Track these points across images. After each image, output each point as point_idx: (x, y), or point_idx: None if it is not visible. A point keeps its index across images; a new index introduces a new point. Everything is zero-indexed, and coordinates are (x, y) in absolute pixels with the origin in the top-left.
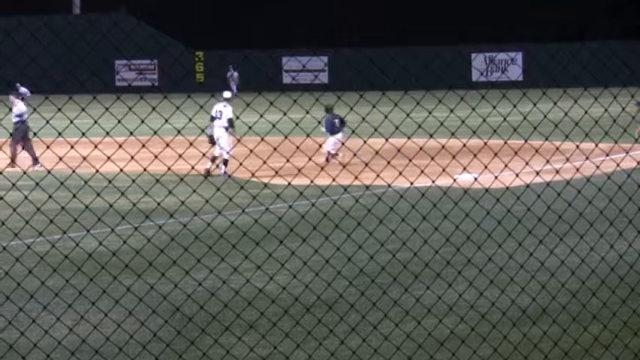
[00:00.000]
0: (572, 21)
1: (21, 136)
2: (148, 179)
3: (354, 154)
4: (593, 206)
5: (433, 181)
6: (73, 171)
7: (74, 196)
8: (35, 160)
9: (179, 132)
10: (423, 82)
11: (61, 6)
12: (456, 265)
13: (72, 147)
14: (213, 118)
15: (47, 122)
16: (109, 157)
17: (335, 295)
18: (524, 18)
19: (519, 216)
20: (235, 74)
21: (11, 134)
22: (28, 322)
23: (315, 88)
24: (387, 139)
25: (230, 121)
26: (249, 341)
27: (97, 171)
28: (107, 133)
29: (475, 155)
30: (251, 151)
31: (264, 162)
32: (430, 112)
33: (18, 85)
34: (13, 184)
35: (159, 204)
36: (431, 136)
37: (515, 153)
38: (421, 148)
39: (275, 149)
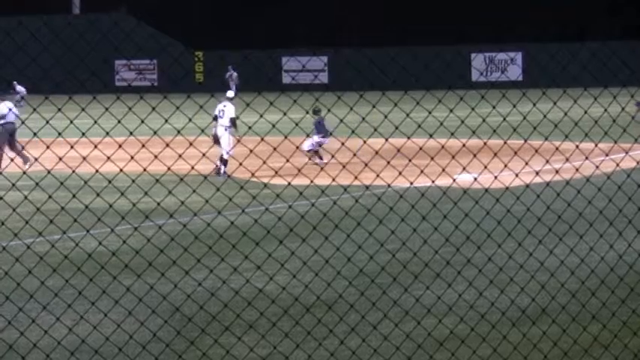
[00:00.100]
0: (572, 21)
1: (6, 138)
2: (148, 179)
3: (354, 154)
4: (593, 206)
5: (433, 181)
6: (73, 171)
7: (74, 196)
8: (25, 158)
9: (179, 132)
10: (423, 82)
11: (61, 6)
12: (456, 265)
13: (72, 147)
14: (216, 117)
15: (47, 122)
16: (108, 157)
17: (335, 295)
18: (524, 18)
19: (519, 216)
20: (235, 74)
21: None
22: (27, 322)
23: (314, 88)
24: (386, 139)
25: (232, 121)
26: (249, 341)
27: (97, 171)
28: (107, 133)
29: (475, 155)
30: (251, 151)
31: (264, 162)
32: (430, 112)
33: (14, 83)
34: (13, 184)
35: (159, 204)
36: (431, 136)
37: (515, 153)
38: (421, 148)
39: (275, 149)
